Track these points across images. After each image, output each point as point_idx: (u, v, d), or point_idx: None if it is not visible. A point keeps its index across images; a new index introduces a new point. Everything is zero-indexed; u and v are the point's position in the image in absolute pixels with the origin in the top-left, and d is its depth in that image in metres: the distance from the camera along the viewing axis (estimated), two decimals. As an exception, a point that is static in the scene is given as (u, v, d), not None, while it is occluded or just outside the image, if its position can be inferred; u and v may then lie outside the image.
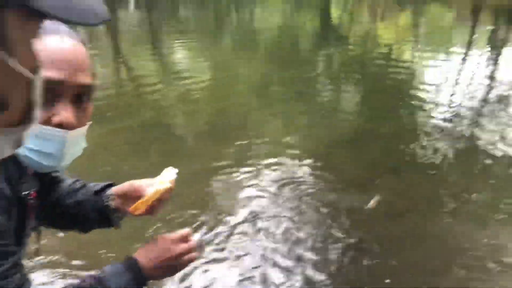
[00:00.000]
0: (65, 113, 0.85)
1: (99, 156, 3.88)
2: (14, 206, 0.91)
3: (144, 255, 1.04)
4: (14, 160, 0.88)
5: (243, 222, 3.11)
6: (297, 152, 4.17)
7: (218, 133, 4.71)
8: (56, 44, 0.83)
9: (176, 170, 1.14)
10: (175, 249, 1.06)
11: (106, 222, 1.18)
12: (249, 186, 3.59)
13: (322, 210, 3.28)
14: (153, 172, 1.18)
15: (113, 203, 1.15)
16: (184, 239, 1.10)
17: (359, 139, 4.60)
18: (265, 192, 3.51)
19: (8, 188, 0.89)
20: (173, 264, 1.07)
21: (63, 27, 0.86)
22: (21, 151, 0.84)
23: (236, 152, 4.15)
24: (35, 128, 0.44)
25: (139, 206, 1.08)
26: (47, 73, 0.79)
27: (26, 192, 0.96)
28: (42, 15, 0.39)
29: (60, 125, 0.85)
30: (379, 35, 9.57)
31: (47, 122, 0.84)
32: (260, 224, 3.10)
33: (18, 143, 0.45)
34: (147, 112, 5.25)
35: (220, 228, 3.01)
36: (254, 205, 3.33)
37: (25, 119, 0.44)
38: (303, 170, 3.87)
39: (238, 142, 4.35)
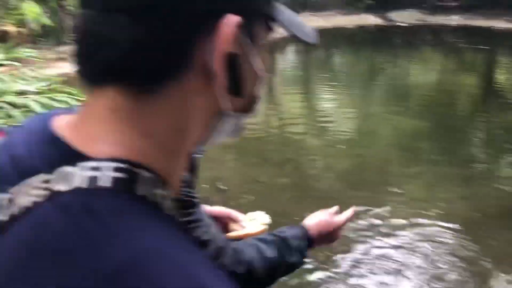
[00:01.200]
0: None
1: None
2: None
3: (313, 227, 1.20)
4: None
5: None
6: (435, 215, 3.89)
7: (355, 184, 4.61)
8: None
9: (268, 216, 1.23)
10: (335, 222, 1.24)
11: None
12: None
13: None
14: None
15: None
16: (336, 214, 1.27)
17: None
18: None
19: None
20: (332, 236, 1.25)
21: None
22: None
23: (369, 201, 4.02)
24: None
25: (236, 234, 1.15)
26: None
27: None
28: (275, 29, 0.50)
29: None
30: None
31: None
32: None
33: (237, 130, 0.53)
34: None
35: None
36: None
37: (250, 108, 0.52)
38: (440, 234, 3.61)
39: (375, 195, 4.22)
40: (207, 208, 1.19)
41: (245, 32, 0.45)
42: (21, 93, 2.84)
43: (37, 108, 2.58)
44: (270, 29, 0.50)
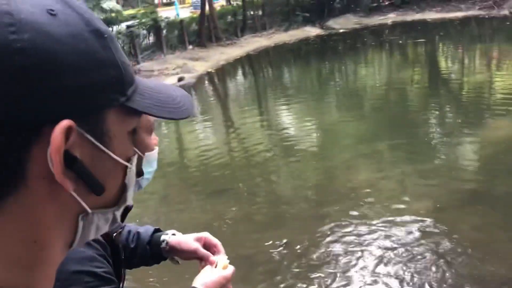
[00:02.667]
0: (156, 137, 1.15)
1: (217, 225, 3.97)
2: (108, 249, 1.00)
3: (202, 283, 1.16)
4: None
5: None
6: (408, 213, 3.96)
7: (323, 194, 4.61)
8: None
9: (226, 257, 1.26)
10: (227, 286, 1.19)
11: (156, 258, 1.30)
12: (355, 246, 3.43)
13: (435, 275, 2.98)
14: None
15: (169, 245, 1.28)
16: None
17: (476, 201, 4.15)
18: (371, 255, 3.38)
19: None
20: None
21: None
22: (145, 176, 1.10)
23: (343, 211, 4.03)
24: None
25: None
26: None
27: (115, 233, 1.04)
28: (139, 113, 0.48)
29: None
30: (496, 85, 8.86)
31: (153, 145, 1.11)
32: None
33: (114, 221, 0.51)
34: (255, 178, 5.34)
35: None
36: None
37: (119, 200, 0.51)
38: (412, 226, 3.73)
39: (346, 202, 4.23)
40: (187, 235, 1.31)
41: (91, 130, 0.44)
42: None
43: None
44: (137, 112, 0.48)
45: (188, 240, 1.29)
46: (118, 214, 0.52)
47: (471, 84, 9.26)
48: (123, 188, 0.51)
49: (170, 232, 1.33)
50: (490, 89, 8.61)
